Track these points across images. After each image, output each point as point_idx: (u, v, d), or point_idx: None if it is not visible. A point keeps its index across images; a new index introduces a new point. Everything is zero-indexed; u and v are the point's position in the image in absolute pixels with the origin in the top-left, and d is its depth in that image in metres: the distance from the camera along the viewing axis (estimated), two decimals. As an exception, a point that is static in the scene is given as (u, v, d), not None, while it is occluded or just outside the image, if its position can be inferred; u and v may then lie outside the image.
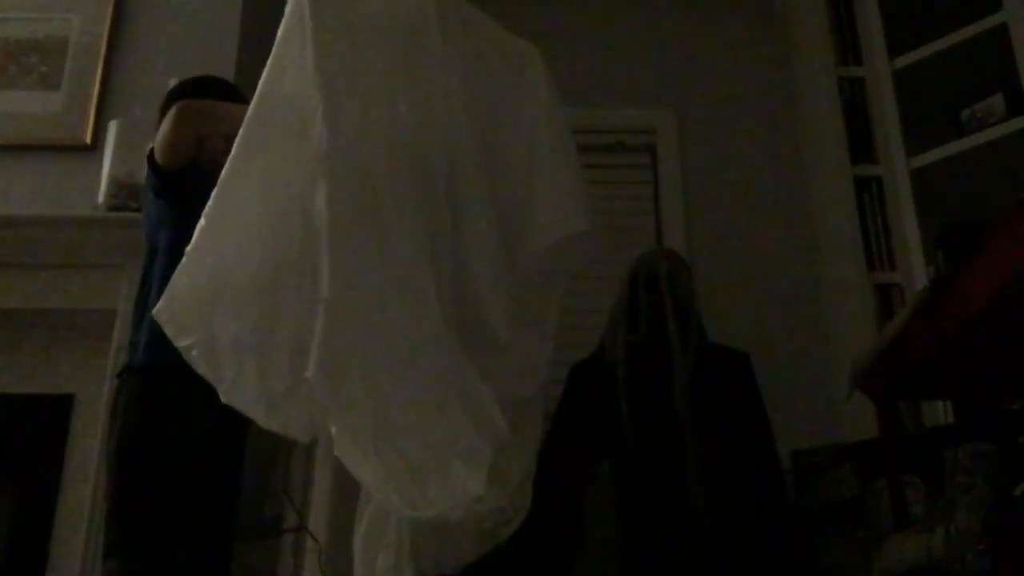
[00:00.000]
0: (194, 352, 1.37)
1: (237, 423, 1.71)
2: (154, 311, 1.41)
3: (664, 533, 2.03)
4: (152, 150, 1.85)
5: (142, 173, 2.69)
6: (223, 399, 1.37)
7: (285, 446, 2.28)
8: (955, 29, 2.58)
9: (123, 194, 2.58)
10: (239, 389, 1.37)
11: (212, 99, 1.94)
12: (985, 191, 2.46)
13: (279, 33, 1.40)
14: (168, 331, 1.39)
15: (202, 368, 1.37)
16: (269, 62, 1.40)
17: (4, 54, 2.86)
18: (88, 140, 2.76)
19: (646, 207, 3.11)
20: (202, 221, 1.40)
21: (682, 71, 3.25)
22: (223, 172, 1.40)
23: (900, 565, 1.64)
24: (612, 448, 2.14)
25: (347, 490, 1.93)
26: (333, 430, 1.34)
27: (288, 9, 1.41)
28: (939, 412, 2.37)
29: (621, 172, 3.15)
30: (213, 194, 1.40)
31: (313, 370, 1.26)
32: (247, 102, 1.95)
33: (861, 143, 2.82)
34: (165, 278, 1.49)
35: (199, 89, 2.02)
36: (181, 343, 1.38)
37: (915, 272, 2.51)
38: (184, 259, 1.40)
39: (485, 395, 1.37)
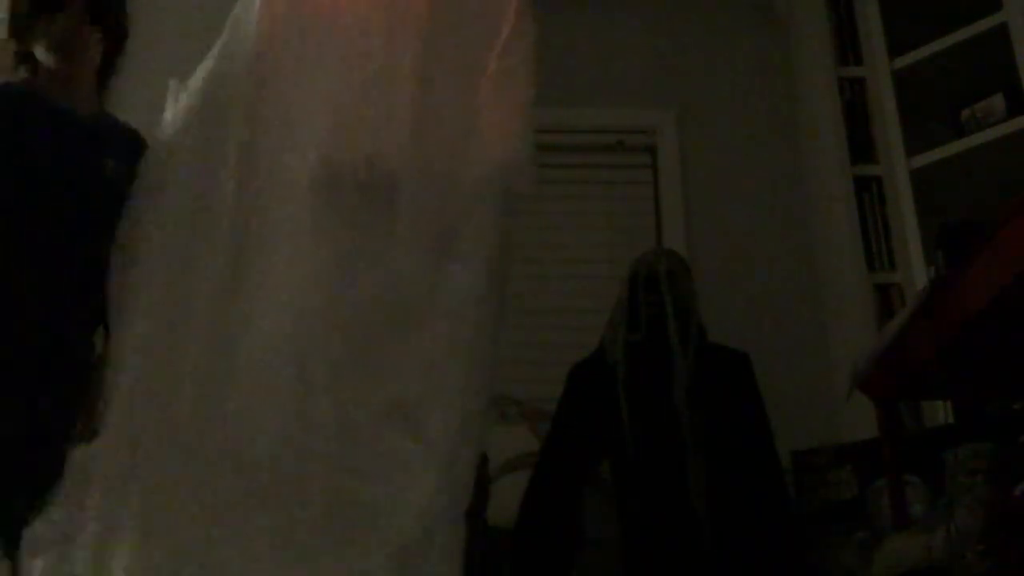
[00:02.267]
0: None
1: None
2: None
3: (664, 533, 2.03)
4: None
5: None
6: None
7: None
8: (955, 29, 2.58)
9: (123, 194, 2.58)
10: None
11: None
12: (985, 191, 2.46)
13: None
14: None
15: None
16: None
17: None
18: (88, 140, 2.76)
19: (646, 207, 3.11)
20: None
21: (682, 71, 3.25)
22: None
23: (900, 565, 1.64)
24: (612, 448, 2.14)
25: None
26: None
27: None
28: (939, 412, 2.37)
29: (621, 172, 3.15)
30: None
31: None
32: None
33: (861, 143, 2.82)
34: None
35: None
36: None
37: (915, 272, 2.51)
38: None
39: None
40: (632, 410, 2.09)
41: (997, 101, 2.49)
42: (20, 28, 1.69)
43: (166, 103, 1.79)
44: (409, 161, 1.47)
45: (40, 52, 1.65)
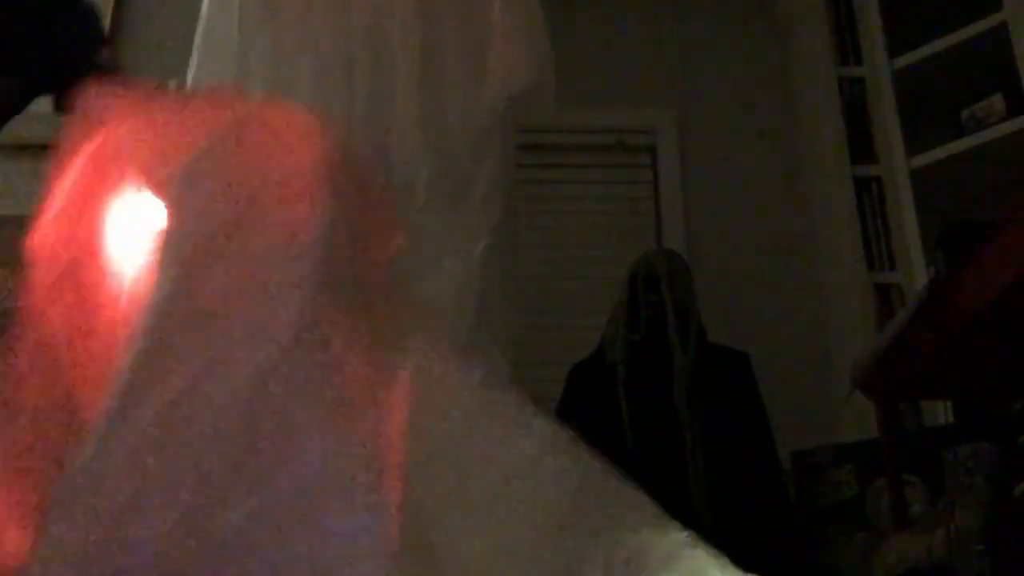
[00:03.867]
0: None
1: None
2: None
3: (664, 533, 2.03)
4: None
5: (142, 173, 2.70)
6: None
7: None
8: (955, 29, 2.58)
9: (123, 194, 2.59)
10: None
11: None
12: (985, 191, 2.46)
13: None
14: None
15: None
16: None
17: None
18: (88, 140, 2.77)
19: (646, 207, 3.11)
20: None
21: (682, 71, 3.25)
22: None
23: (900, 565, 1.64)
24: (612, 448, 2.13)
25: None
26: None
27: None
28: (939, 412, 2.37)
29: (621, 172, 3.15)
30: None
31: None
32: None
33: (861, 143, 2.82)
34: None
35: None
36: None
37: (915, 272, 2.51)
38: None
39: None
40: (632, 410, 2.09)
41: (997, 101, 2.50)
42: None
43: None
44: (417, 128, 1.44)
45: None
